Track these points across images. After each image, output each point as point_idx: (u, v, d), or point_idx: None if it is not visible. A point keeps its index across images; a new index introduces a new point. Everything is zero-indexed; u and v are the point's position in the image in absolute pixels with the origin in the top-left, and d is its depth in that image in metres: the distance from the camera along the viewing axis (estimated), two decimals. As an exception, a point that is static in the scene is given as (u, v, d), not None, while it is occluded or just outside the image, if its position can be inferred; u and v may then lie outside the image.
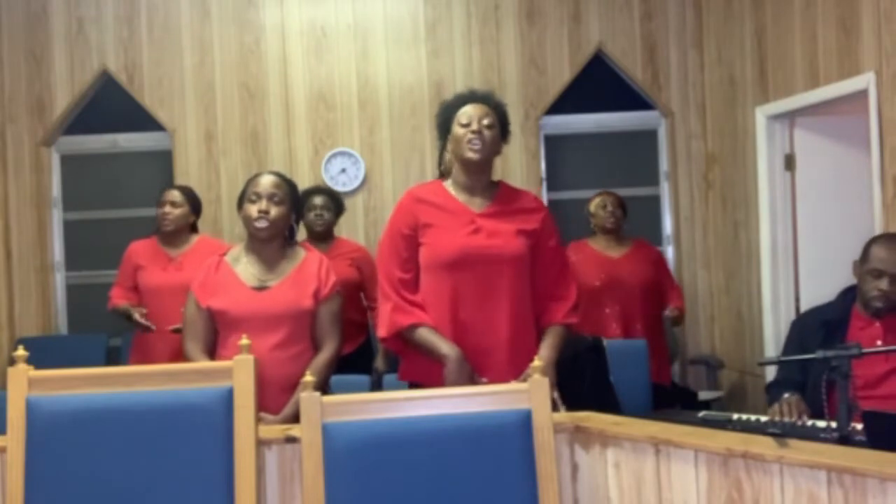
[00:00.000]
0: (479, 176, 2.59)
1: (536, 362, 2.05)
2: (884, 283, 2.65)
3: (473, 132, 2.51)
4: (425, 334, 2.48)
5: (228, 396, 2.04)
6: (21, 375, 2.05)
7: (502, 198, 2.62)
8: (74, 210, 5.13)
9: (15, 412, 2.02)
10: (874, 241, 2.76)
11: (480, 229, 2.53)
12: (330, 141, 4.95)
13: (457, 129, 2.55)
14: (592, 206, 4.26)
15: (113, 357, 4.72)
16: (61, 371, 2.09)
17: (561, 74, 4.98)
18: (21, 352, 2.08)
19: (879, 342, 2.66)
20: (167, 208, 3.92)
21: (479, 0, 4.96)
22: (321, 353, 2.69)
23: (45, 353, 3.54)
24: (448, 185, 2.64)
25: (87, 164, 5.13)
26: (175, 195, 3.96)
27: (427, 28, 4.97)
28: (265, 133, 4.95)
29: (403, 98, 4.96)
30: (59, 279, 5.10)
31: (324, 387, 2.66)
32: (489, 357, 2.49)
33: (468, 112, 2.54)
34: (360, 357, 4.08)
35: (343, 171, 4.93)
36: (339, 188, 4.88)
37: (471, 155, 2.52)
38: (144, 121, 5.00)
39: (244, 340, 2.13)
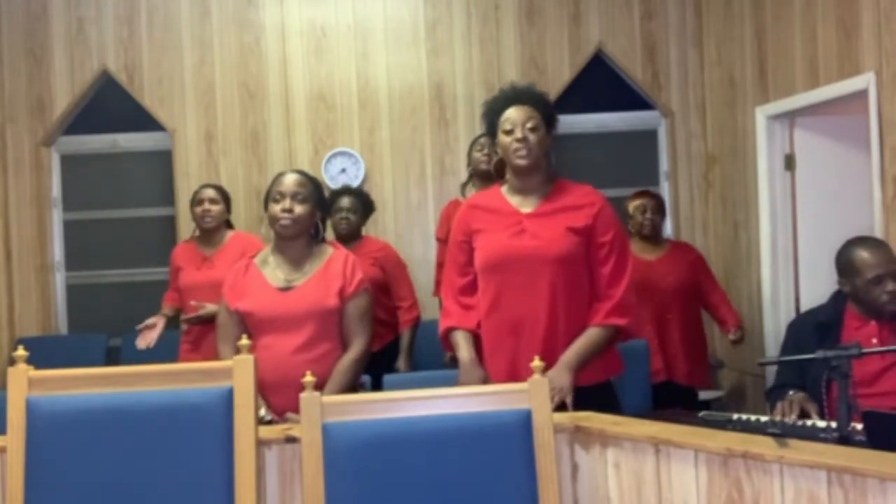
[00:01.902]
0: (532, 178, 2.60)
1: (536, 362, 2.05)
2: (890, 285, 2.64)
3: (518, 140, 2.52)
4: (455, 337, 2.61)
5: (228, 396, 2.04)
6: (21, 375, 2.05)
7: (556, 195, 2.61)
8: (74, 210, 5.13)
9: (15, 412, 2.02)
10: (853, 251, 2.72)
11: (525, 230, 2.54)
12: (330, 141, 4.95)
13: (502, 137, 2.56)
14: (631, 208, 4.19)
15: (113, 357, 4.71)
16: (61, 371, 2.08)
17: (561, 74, 4.98)
18: (21, 352, 2.08)
19: (875, 340, 2.67)
20: (206, 205, 3.93)
21: (479, 0, 4.96)
22: (348, 352, 2.70)
23: (45, 353, 3.54)
24: (504, 188, 2.68)
25: (87, 164, 5.13)
26: (211, 193, 3.98)
27: (427, 28, 4.97)
28: (265, 133, 4.95)
29: (403, 98, 4.96)
30: (59, 279, 5.09)
31: (354, 385, 2.69)
32: (527, 357, 2.47)
33: (511, 118, 2.55)
34: (387, 356, 4.09)
35: (343, 171, 4.93)
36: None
37: (519, 163, 2.55)
38: (144, 121, 5.00)
39: (244, 340, 2.13)
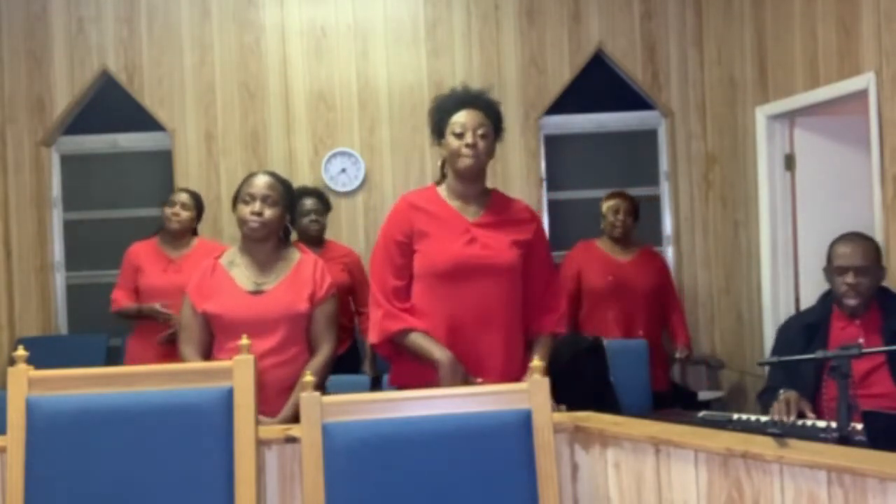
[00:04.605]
0: (474, 184, 2.59)
1: (536, 362, 2.05)
2: (850, 277, 2.71)
3: (468, 145, 2.50)
4: (417, 339, 2.49)
5: (228, 396, 2.04)
6: (21, 375, 2.05)
7: (496, 206, 2.61)
8: (74, 210, 5.13)
9: (15, 412, 2.02)
10: (834, 242, 2.83)
11: (475, 239, 2.53)
12: (330, 141, 4.95)
13: (451, 140, 2.54)
14: (604, 208, 4.22)
15: (113, 357, 4.71)
16: (61, 371, 2.09)
17: (561, 74, 4.97)
18: (21, 352, 2.08)
19: (861, 340, 2.69)
20: (177, 209, 3.95)
21: (479, 0, 4.96)
22: (317, 356, 2.68)
23: (45, 353, 3.54)
24: (442, 190, 2.63)
25: (87, 164, 5.13)
26: (185, 198, 4.00)
27: (427, 28, 4.97)
28: (265, 133, 4.95)
29: (403, 98, 4.96)
30: (59, 279, 5.09)
31: (321, 388, 2.66)
32: (483, 365, 2.49)
33: (462, 121, 2.52)
34: (347, 361, 4.05)
35: (343, 171, 4.93)
36: (339, 188, 4.89)
37: (465, 166, 2.52)
38: (144, 121, 5.00)
39: (244, 340, 2.12)
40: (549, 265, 2.66)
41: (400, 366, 2.60)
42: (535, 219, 2.66)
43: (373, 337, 2.56)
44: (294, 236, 2.93)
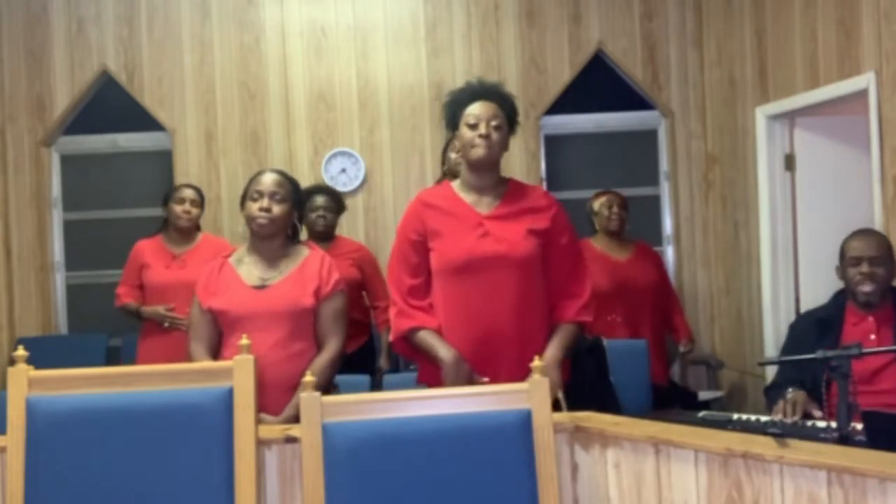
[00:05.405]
0: (488, 175, 2.58)
1: (537, 362, 2.05)
2: (864, 267, 2.74)
3: (482, 136, 2.50)
4: (424, 337, 2.50)
5: (228, 396, 2.04)
6: (21, 375, 2.05)
7: (511, 197, 2.60)
8: (74, 210, 5.13)
9: (15, 412, 2.02)
10: (846, 239, 2.87)
11: (488, 233, 2.52)
12: (330, 141, 4.95)
13: (464, 131, 2.54)
14: (596, 205, 4.24)
15: (113, 357, 4.71)
16: (61, 371, 2.09)
17: (561, 74, 4.97)
18: (21, 352, 2.08)
19: (873, 336, 2.69)
20: (188, 205, 3.95)
21: (479, 0, 4.96)
22: (323, 353, 2.68)
23: (45, 353, 3.54)
24: (456, 185, 2.64)
25: (87, 164, 5.13)
26: (193, 194, 4.02)
27: (427, 28, 4.97)
28: (265, 133, 4.95)
29: (403, 98, 4.96)
30: (59, 279, 5.09)
31: (327, 386, 2.66)
32: (499, 359, 2.48)
33: (476, 112, 2.52)
34: (362, 356, 4.07)
35: (343, 171, 4.93)
36: (339, 188, 4.87)
37: (477, 156, 2.52)
38: (144, 121, 5.00)
39: (244, 340, 2.12)
40: (571, 251, 2.61)
41: (423, 364, 2.61)
42: (554, 205, 2.62)
43: (391, 335, 2.62)
44: (305, 234, 2.93)
